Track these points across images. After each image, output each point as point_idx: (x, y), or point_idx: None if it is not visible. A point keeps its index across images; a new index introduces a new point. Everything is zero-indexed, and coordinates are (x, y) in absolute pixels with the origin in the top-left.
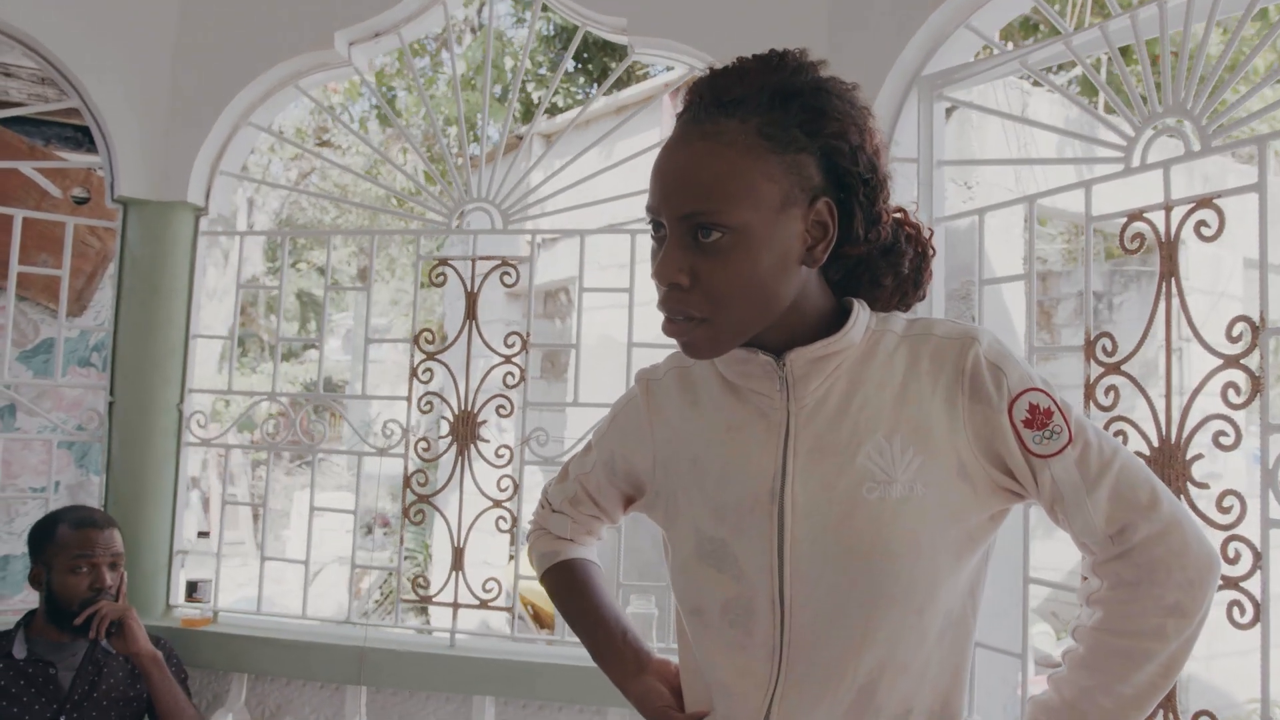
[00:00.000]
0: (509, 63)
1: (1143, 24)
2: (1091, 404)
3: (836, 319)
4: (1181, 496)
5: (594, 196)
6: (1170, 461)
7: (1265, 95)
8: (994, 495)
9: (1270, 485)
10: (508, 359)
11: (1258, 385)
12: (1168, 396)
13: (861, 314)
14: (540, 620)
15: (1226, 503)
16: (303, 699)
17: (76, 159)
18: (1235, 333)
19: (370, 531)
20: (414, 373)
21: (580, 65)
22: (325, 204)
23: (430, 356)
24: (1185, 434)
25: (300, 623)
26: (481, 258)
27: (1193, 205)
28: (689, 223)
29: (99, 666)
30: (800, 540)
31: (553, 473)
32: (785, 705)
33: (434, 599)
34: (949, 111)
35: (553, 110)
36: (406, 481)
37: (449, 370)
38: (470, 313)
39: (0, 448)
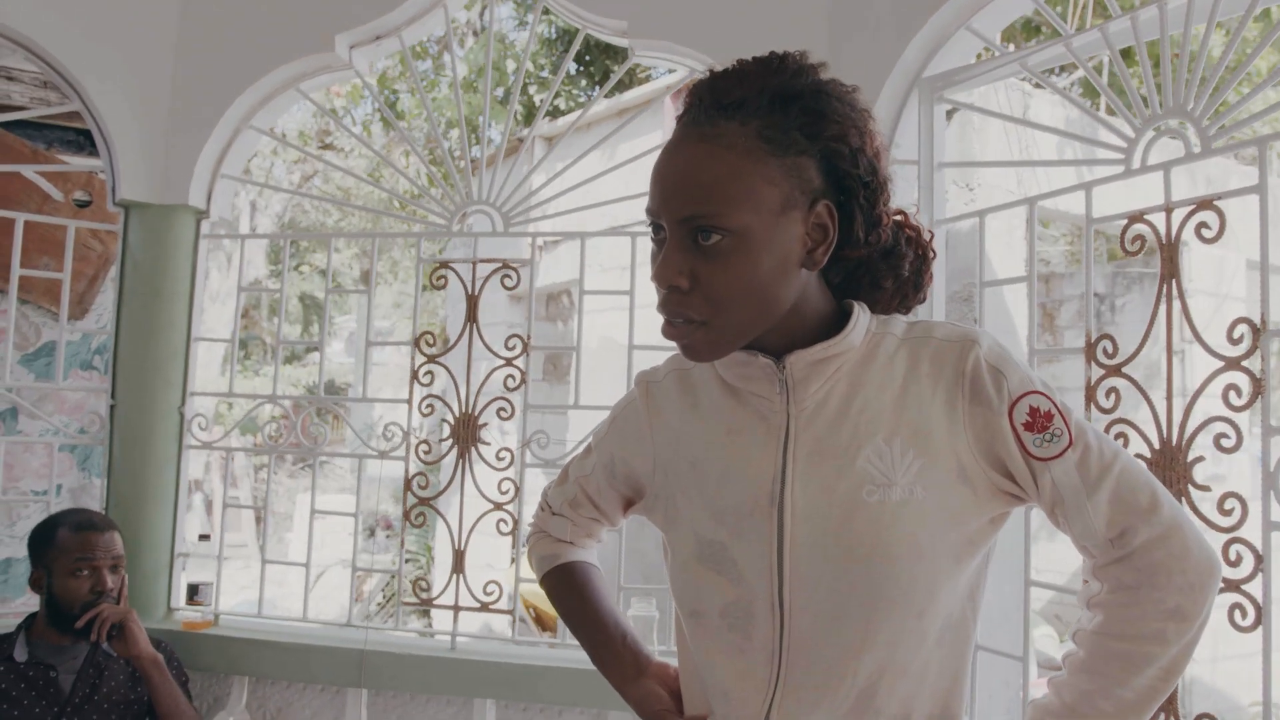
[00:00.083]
0: (511, 65)
1: (1143, 25)
2: (1092, 406)
3: (836, 322)
4: (1183, 499)
5: (595, 199)
6: (1171, 464)
7: (1267, 96)
8: (994, 498)
9: (1271, 488)
10: (509, 361)
11: (1259, 387)
12: (1169, 399)
13: (861, 317)
14: (542, 623)
15: (1228, 505)
16: (303, 702)
17: (78, 162)
18: (1236, 335)
19: (373, 534)
20: (415, 375)
21: (582, 68)
22: (328, 207)
23: (431, 359)
24: (1186, 436)
25: (301, 625)
26: (482, 260)
27: (1194, 207)
28: (689, 225)
29: (100, 669)
30: (800, 543)
31: (554, 475)
32: (784, 708)
33: (435, 602)
34: (950, 114)
35: (554, 113)
36: (407, 484)
37: (450, 373)
38: (471, 315)
39: (2, 451)
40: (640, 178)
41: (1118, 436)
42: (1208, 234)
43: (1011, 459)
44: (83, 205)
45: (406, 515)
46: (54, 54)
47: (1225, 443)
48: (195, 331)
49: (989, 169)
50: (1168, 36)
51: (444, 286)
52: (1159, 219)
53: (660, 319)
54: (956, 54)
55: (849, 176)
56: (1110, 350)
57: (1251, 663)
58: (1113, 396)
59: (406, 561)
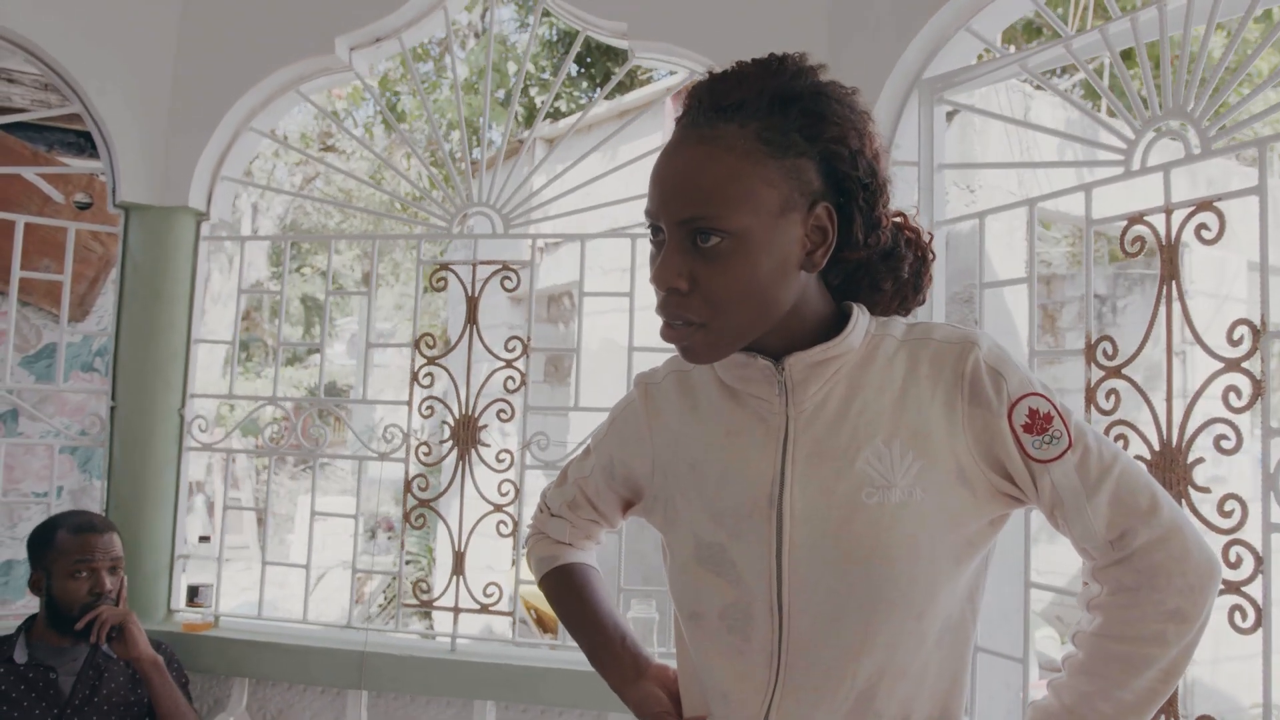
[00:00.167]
0: (513, 68)
1: (1143, 27)
2: (1092, 408)
3: (836, 323)
4: (1183, 501)
5: (595, 200)
6: (1171, 465)
7: (1267, 97)
8: (993, 500)
9: (1271, 489)
10: (509, 363)
11: (1259, 389)
12: (1169, 400)
13: (861, 318)
14: (543, 624)
15: (1228, 507)
16: (304, 703)
17: (79, 164)
18: (1236, 336)
19: (374, 536)
20: (415, 377)
21: (583, 70)
22: (330, 209)
23: (431, 361)
24: (1186, 438)
25: (301, 627)
26: (482, 262)
27: (1193, 208)
28: (688, 227)
29: (100, 671)
30: (799, 545)
31: (553, 477)
32: (783, 710)
33: (435, 603)
34: (950, 115)
35: (556, 115)
36: (407, 486)
37: (450, 375)
38: (471, 317)
39: (2, 452)
40: (641, 179)
41: (1117, 438)
42: (1208, 235)
43: (1011, 461)
44: (83, 207)
45: (406, 517)
46: (54, 56)
47: (1225, 444)
48: (196, 333)
49: (990, 170)
50: (1167, 38)
51: (444, 288)
52: (1159, 220)
53: (659, 321)
54: (956, 55)
55: (848, 178)
56: (1110, 352)
57: (1253, 664)
58: (1113, 398)
59: (408, 563)
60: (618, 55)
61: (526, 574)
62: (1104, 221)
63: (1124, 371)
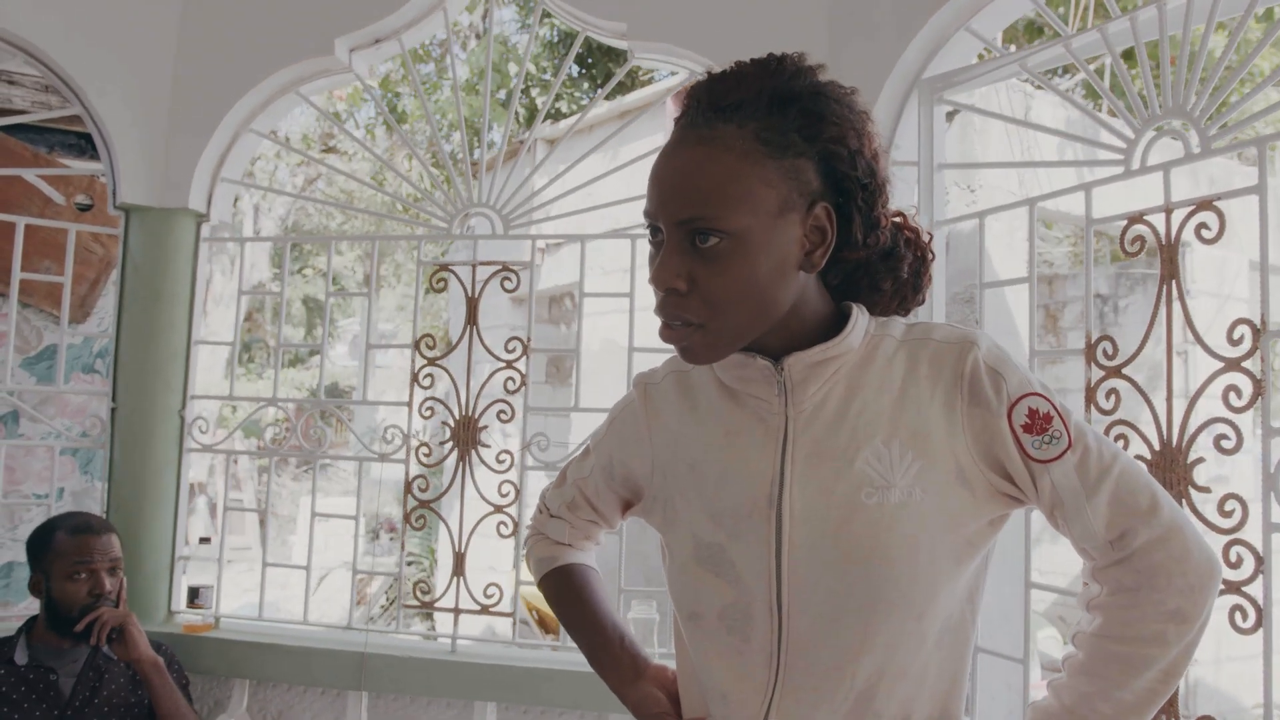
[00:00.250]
0: (514, 68)
1: (1142, 26)
2: (1092, 407)
3: (835, 324)
4: (1183, 501)
5: (596, 201)
6: (1172, 465)
7: (1268, 96)
8: (993, 500)
9: (1271, 489)
10: (509, 364)
11: (1259, 388)
12: (1169, 400)
13: (860, 318)
14: (545, 625)
15: (1228, 507)
16: (304, 704)
17: (79, 166)
18: (1236, 335)
19: (377, 537)
20: (415, 378)
21: (584, 71)
22: (331, 210)
23: (431, 362)
24: (1187, 438)
25: (302, 628)
26: (482, 263)
27: (1193, 207)
28: (686, 228)
29: (100, 672)
30: (798, 545)
31: (554, 478)
32: (783, 710)
33: (436, 604)
34: (951, 115)
35: (557, 116)
36: (407, 487)
37: (450, 376)
38: (471, 318)
39: (3, 454)
40: (641, 180)
41: (1118, 438)
42: (1207, 235)
43: (1010, 461)
44: (84, 209)
45: (407, 518)
46: (55, 58)
47: (1225, 444)
48: (197, 334)
49: (990, 170)
50: (1167, 37)
51: (444, 289)
52: (1159, 220)
53: (659, 321)
54: (956, 55)
55: (847, 178)
56: (1110, 351)
57: (1255, 664)
58: (1113, 398)
59: (410, 564)
60: (619, 56)
61: (527, 575)
62: (1104, 221)
63: (1125, 371)
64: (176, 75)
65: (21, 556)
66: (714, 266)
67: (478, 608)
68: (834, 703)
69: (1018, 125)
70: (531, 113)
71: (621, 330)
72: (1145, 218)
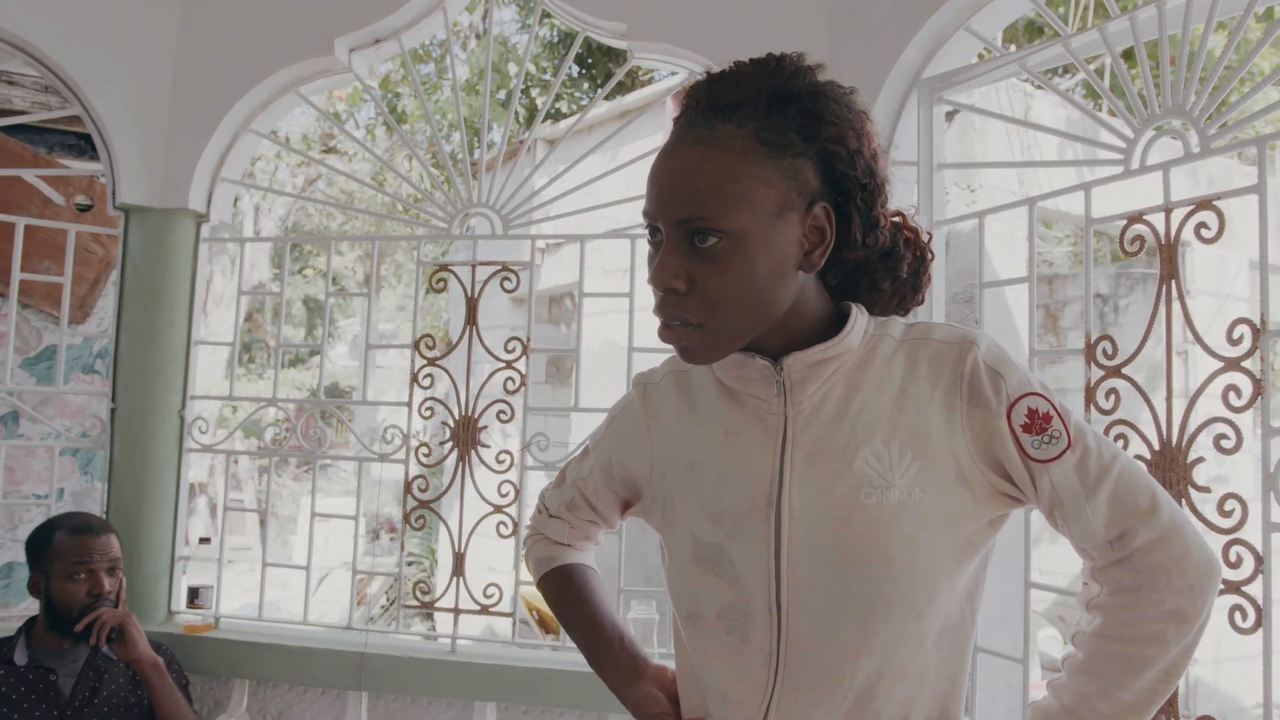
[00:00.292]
0: (514, 69)
1: (1142, 25)
2: (1092, 407)
3: (834, 323)
4: (1182, 501)
5: (596, 201)
6: (1171, 465)
7: (1267, 95)
8: (992, 500)
9: (1271, 489)
10: (508, 364)
11: (1259, 388)
12: (1168, 399)
13: (859, 318)
14: (545, 625)
15: (1228, 506)
16: (304, 705)
17: (79, 166)
18: (1236, 335)
19: (377, 537)
20: (415, 378)
21: (584, 71)
22: (332, 210)
23: (431, 362)
24: (1186, 437)
25: (301, 629)
26: (481, 263)
27: (1193, 207)
28: (685, 228)
29: (100, 673)
30: (797, 545)
31: (553, 478)
32: (782, 710)
33: (435, 604)
34: (951, 115)
35: (557, 116)
36: (407, 487)
37: (450, 376)
38: (471, 318)
39: (3, 454)
40: (641, 180)
41: (1117, 438)
42: (1207, 234)
43: (1010, 461)
44: (84, 209)
45: (407, 518)
46: (54, 59)
47: (1225, 444)
48: (197, 335)
49: (991, 170)
50: (1166, 36)
51: (443, 289)
52: (1158, 219)
53: (658, 321)
54: (956, 55)
55: (846, 178)
56: (1110, 351)
57: (1255, 664)
58: (1112, 398)
59: (410, 564)
60: (619, 56)
61: (527, 575)
62: (1104, 221)
63: (1125, 371)
64: (176, 75)
65: (21, 557)
66: (713, 266)
67: (477, 608)
68: (833, 702)
69: (1017, 125)
70: (531, 113)
71: (621, 330)
72: (1145, 217)
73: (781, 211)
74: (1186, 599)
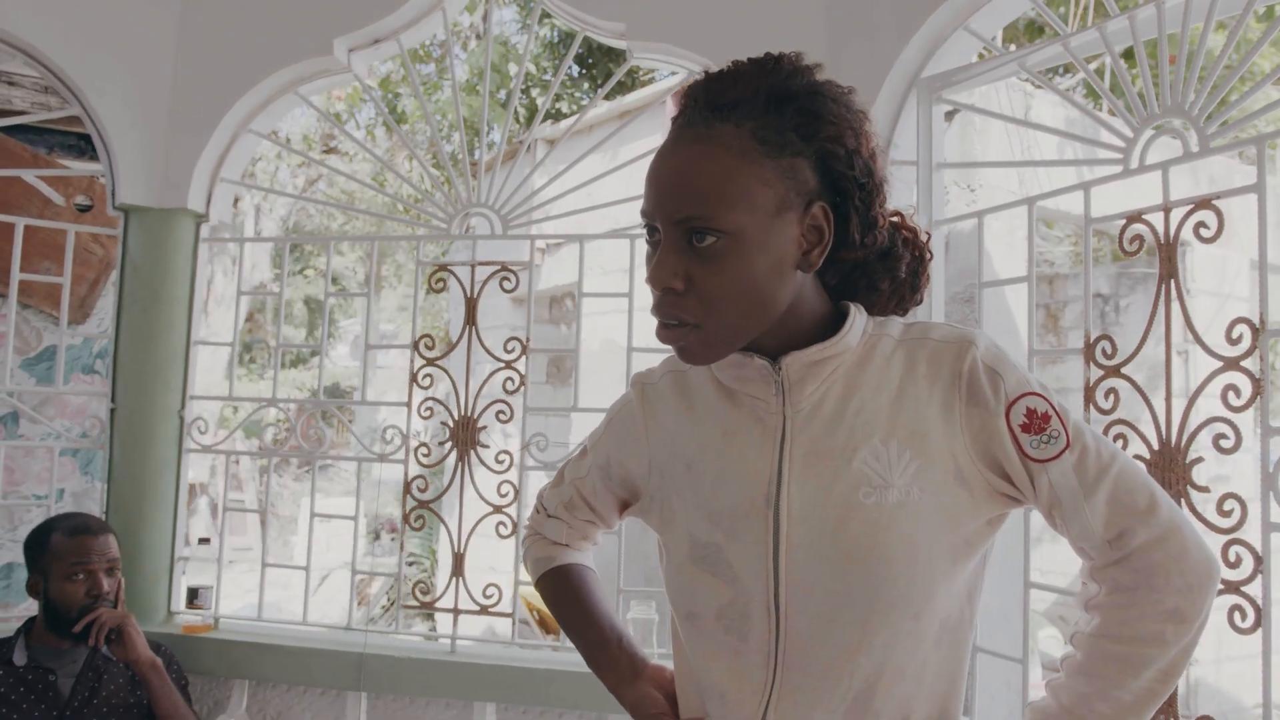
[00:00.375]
0: (514, 69)
1: (1141, 24)
2: (1091, 407)
3: (833, 323)
4: (1182, 500)
5: (596, 201)
6: (1171, 465)
7: (1267, 94)
8: (991, 500)
9: (1270, 489)
10: (508, 364)
11: (1258, 387)
12: (1168, 399)
13: (858, 318)
14: (546, 625)
15: (1227, 506)
16: (303, 705)
17: (79, 167)
18: (1235, 335)
19: (378, 537)
20: (414, 378)
21: (584, 71)
22: (332, 210)
23: (430, 362)
24: (1186, 437)
25: (301, 629)
26: (481, 263)
27: (1192, 206)
28: (683, 227)
29: (99, 673)
30: (796, 545)
31: (552, 478)
32: (780, 710)
33: (435, 605)
34: (951, 114)
35: (557, 116)
36: (406, 487)
37: (449, 376)
38: (470, 318)
39: (3, 455)
40: (641, 180)
41: (1116, 438)
42: (1206, 234)
43: (1009, 461)
44: (83, 210)
45: (406, 518)
46: (54, 59)
47: (1224, 444)
48: (197, 335)
49: (991, 170)
50: (1165, 35)
51: (443, 290)
52: (1157, 219)
53: (657, 321)
54: (955, 54)
55: (844, 178)
56: (1109, 351)
57: (1256, 664)
58: (1112, 397)
59: (411, 564)
60: (619, 56)
61: (526, 575)
62: (1103, 220)
63: (1125, 371)
64: (176, 76)
65: (21, 557)
66: (711, 266)
67: (477, 608)
68: (832, 703)
69: (1017, 125)
70: (531, 113)
71: (621, 330)
72: (1144, 217)
73: (780, 211)
74: (1185, 599)
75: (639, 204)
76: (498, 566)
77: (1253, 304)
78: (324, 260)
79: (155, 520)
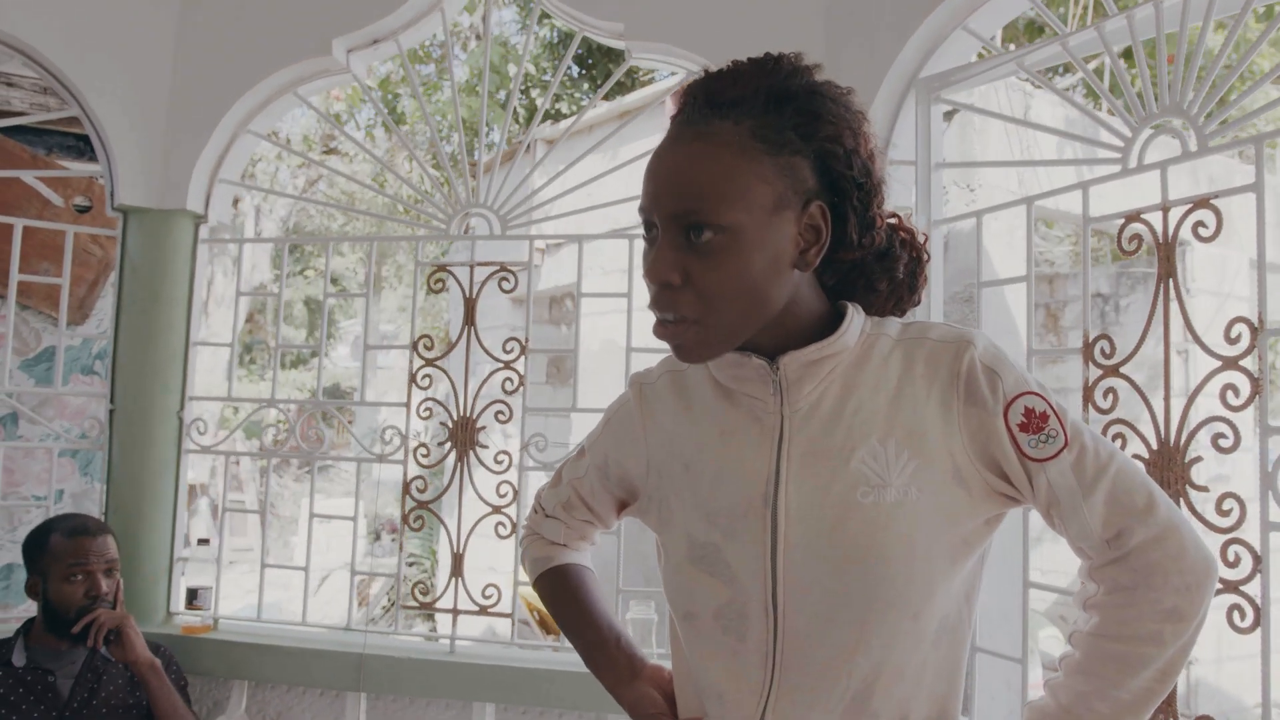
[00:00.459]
0: (514, 69)
1: (1139, 24)
2: (1090, 407)
3: (830, 323)
4: (1181, 500)
5: (595, 201)
6: (1170, 464)
7: (1266, 94)
8: (989, 499)
9: (1269, 488)
10: (507, 364)
11: (1257, 387)
12: (1166, 399)
13: (855, 317)
14: (546, 626)
15: (1226, 506)
16: (303, 706)
17: (78, 168)
18: (1234, 334)
19: (379, 538)
20: (413, 379)
21: (584, 71)
22: (333, 211)
23: (429, 363)
24: (1185, 437)
25: (300, 629)
26: (480, 264)
27: (1190, 206)
28: (681, 222)
29: (98, 674)
30: (794, 545)
31: (550, 478)
32: (779, 710)
33: (434, 605)
34: (950, 114)
35: (557, 116)
36: (406, 488)
37: (448, 377)
38: (469, 318)
39: (2, 456)
40: (640, 180)
41: (1115, 437)
42: (1205, 233)
43: (1007, 460)
44: (83, 210)
45: (405, 519)
46: (52, 60)
47: (1223, 443)
48: (196, 336)
49: (990, 170)
50: (1164, 34)
51: (442, 290)
52: (1156, 218)
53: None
54: (954, 54)
55: (843, 178)
56: (1108, 350)
57: (1257, 663)
58: (1110, 397)
59: (411, 565)
60: (618, 56)
61: (526, 575)
62: (1102, 219)
63: (1124, 370)
64: (174, 76)
65: (20, 558)
66: (708, 261)
67: (476, 608)
68: (830, 703)
69: (1016, 124)
70: (531, 113)
71: (621, 331)
72: (1142, 216)
73: (778, 209)
74: (1183, 598)
75: (638, 204)
76: (497, 567)
77: (1253, 303)
78: (323, 261)
79: (154, 521)
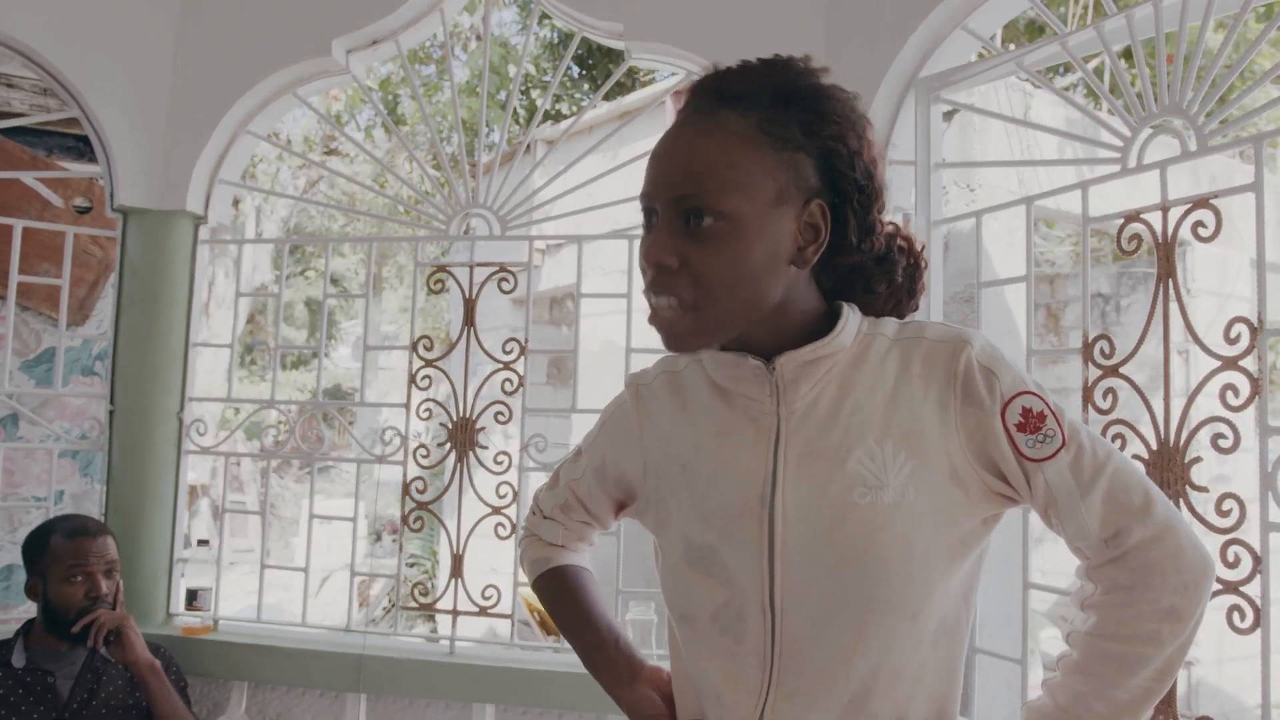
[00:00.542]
0: (514, 70)
1: (1139, 24)
2: (1090, 407)
3: (826, 322)
4: (1180, 500)
5: (595, 202)
6: (1169, 464)
7: (1267, 92)
8: (987, 499)
9: (1269, 488)
10: (506, 365)
11: (1257, 387)
12: (1166, 399)
13: (852, 317)
14: (546, 627)
15: (1226, 506)
16: (303, 706)
17: (78, 169)
18: (1234, 334)
19: (380, 539)
20: (413, 379)
21: (584, 72)
22: (333, 211)
23: (429, 363)
24: (1184, 437)
25: (300, 630)
26: (479, 264)
27: (1190, 206)
28: (681, 206)
29: (98, 675)
30: (791, 546)
31: (548, 479)
32: (777, 712)
33: (434, 606)
34: (950, 114)
35: (557, 117)
36: (405, 489)
37: (448, 377)
38: (469, 319)
39: (2, 457)
40: (640, 180)
41: (1115, 438)
42: (1204, 233)
43: (1004, 460)
44: (83, 211)
45: (405, 520)
46: (52, 61)
47: (1223, 443)
48: (196, 337)
49: (990, 170)
50: (1163, 34)
51: (441, 291)
52: (1156, 218)
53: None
54: (953, 54)
55: (845, 179)
56: (1108, 351)
57: (1256, 664)
58: (1110, 397)
59: (412, 565)
60: (618, 57)
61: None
62: (1102, 219)
63: (1125, 370)
64: (174, 77)
65: (20, 559)
66: (706, 248)
67: (476, 609)
68: (828, 704)
69: (1016, 124)
70: (531, 114)
71: (621, 331)
72: (1142, 216)
73: (778, 202)
74: (1181, 597)
75: (638, 204)
76: (497, 568)
77: (1253, 303)
78: (325, 262)
79: (154, 522)
